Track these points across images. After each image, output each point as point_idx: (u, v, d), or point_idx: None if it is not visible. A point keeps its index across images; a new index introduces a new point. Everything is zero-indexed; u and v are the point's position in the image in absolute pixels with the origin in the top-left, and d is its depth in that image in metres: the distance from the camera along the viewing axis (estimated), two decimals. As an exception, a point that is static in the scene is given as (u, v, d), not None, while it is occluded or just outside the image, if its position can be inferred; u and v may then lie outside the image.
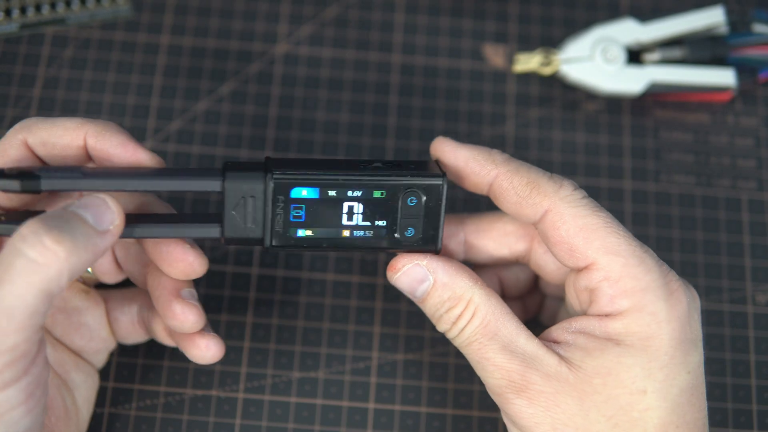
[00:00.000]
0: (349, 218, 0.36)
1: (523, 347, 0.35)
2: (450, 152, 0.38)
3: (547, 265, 0.40)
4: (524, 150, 0.49)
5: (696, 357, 0.35)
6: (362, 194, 0.36)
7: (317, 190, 0.35)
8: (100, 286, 0.42)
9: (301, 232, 0.36)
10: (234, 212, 0.35)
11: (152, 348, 0.44)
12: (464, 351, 0.37)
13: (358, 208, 0.36)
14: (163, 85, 0.50)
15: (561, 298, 0.42)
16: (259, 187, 0.35)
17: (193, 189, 0.35)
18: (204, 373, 0.44)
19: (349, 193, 0.36)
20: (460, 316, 0.36)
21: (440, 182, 0.36)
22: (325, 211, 0.36)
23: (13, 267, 0.30)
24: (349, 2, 0.52)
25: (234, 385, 0.44)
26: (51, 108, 0.49)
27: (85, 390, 0.40)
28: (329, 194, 0.36)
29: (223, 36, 0.51)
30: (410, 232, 0.36)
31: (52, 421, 0.37)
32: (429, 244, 0.37)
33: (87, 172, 0.34)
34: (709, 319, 0.46)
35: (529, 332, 0.36)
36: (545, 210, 0.36)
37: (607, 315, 0.35)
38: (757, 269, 0.47)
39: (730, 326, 0.46)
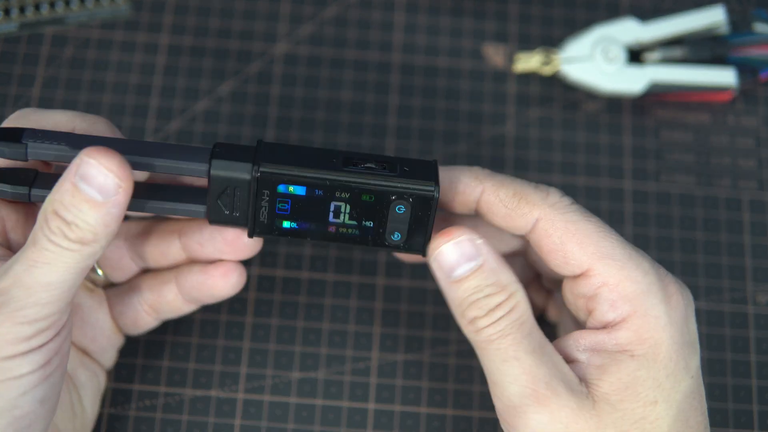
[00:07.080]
0: (336, 216, 0.35)
1: (550, 355, 0.34)
2: None
3: (544, 264, 0.39)
4: (524, 150, 0.49)
5: (696, 360, 0.35)
6: (350, 196, 0.35)
7: (304, 188, 0.35)
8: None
9: (286, 224, 0.35)
10: (219, 201, 0.35)
11: (151, 348, 0.44)
12: (489, 348, 0.34)
13: (346, 208, 0.35)
14: (162, 85, 0.50)
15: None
16: (245, 178, 0.34)
17: (179, 172, 0.34)
18: (204, 373, 0.44)
19: (337, 194, 0.35)
20: (499, 305, 0.34)
21: (431, 192, 0.35)
22: (312, 207, 0.35)
23: (48, 251, 0.32)
24: (349, 2, 0.52)
25: (234, 386, 0.44)
26: (50, 108, 0.49)
27: (90, 389, 0.40)
28: (316, 193, 0.35)
29: (223, 35, 0.51)
30: (397, 236, 0.36)
31: (57, 415, 0.37)
32: (416, 249, 0.36)
33: (74, 142, 0.34)
34: (710, 320, 0.46)
35: (552, 346, 0.35)
36: (536, 219, 0.36)
37: (610, 322, 0.35)
38: (758, 269, 0.47)
39: (730, 326, 0.46)
